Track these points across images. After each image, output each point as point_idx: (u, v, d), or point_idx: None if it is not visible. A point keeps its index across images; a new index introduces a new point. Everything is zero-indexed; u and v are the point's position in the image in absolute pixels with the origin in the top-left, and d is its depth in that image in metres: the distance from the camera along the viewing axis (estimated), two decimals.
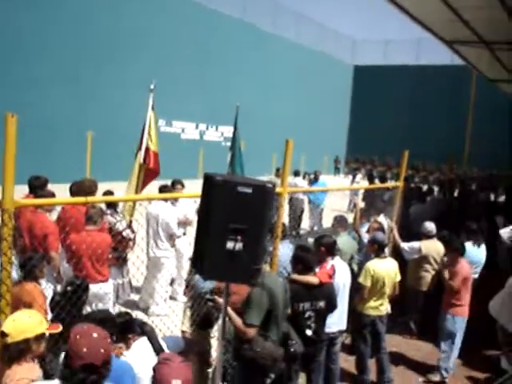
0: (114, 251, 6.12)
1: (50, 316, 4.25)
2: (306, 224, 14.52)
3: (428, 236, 7.34)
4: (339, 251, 5.93)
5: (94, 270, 5.54)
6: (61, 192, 6.16)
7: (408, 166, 8.60)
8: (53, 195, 6.01)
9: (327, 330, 5.16)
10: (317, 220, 14.33)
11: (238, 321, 4.08)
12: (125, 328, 3.71)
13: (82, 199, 4.21)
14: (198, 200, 3.31)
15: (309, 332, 4.71)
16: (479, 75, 19.92)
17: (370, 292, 5.86)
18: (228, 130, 25.92)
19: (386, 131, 38.68)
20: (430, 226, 7.40)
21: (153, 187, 7.55)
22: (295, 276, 4.78)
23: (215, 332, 4.76)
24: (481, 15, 8.45)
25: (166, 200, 7.18)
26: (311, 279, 4.73)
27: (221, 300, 3.91)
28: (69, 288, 4.17)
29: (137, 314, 6.12)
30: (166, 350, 3.74)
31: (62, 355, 2.59)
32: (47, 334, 3.14)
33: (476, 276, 7.24)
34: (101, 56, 20.55)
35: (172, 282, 8.04)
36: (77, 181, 6.56)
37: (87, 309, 4.68)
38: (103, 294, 5.63)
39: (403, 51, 39.57)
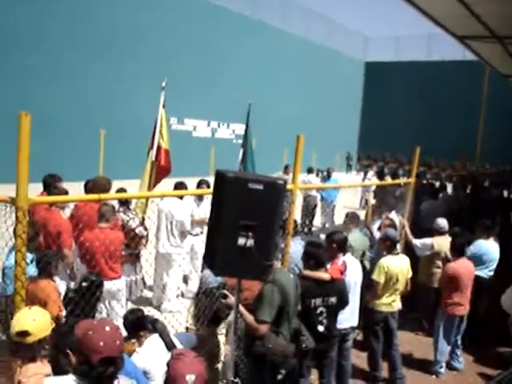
0: (127, 248, 6.16)
1: (64, 312, 4.31)
2: (318, 221, 14.52)
3: (440, 232, 7.32)
4: (351, 248, 5.94)
5: (107, 267, 5.58)
6: (74, 190, 6.23)
7: (420, 162, 8.58)
8: (66, 193, 6.06)
9: (339, 326, 5.17)
10: (329, 217, 14.32)
11: (250, 317, 4.10)
12: (137, 325, 3.75)
13: (94, 196, 4.26)
14: None
15: (320, 328, 4.72)
16: (492, 71, 19.74)
17: (383, 288, 5.86)
18: (239, 128, 25.95)
19: (398, 128, 38.51)
20: (443, 222, 7.37)
21: (165, 184, 7.59)
22: (306, 272, 4.80)
23: (222, 329, 4.78)
24: (493, 9, 8.37)
25: (180, 197, 7.22)
26: (322, 275, 4.75)
27: (231, 296, 3.94)
28: (83, 284, 4.22)
29: (149, 311, 6.17)
30: (179, 346, 3.77)
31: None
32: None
33: (491, 273, 7.20)
34: (112, 54, 20.66)
35: (186, 280, 8.09)
36: (92, 178, 6.60)
37: (100, 305, 4.73)
38: (116, 290, 5.67)
39: (414, 47, 39.34)
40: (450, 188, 13.93)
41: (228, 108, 25.55)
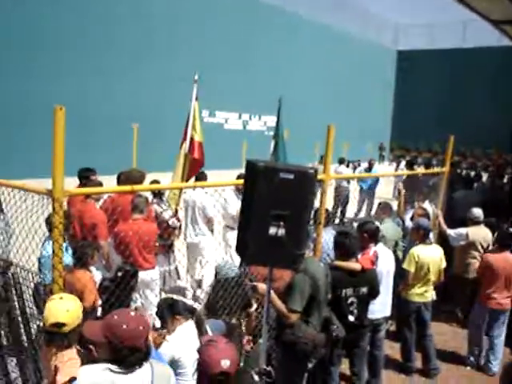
0: (160, 239, 6.25)
1: (99, 302, 4.42)
2: (351, 211, 14.46)
3: (475, 222, 7.20)
4: (383, 238, 5.91)
5: (141, 258, 5.67)
6: (108, 183, 6.34)
7: (454, 152, 8.43)
8: (100, 185, 6.20)
9: (371, 316, 5.15)
10: (369, 208, 14.23)
11: (281, 306, 4.13)
12: (170, 311, 3.80)
13: (128, 188, 4.32)
14: None
15: (351, 318, 4.72)
16: None
17: (414, 278, 5.82)
18: (271, 120, 25.95)
19: (431, 117, 37.83)
20: (478, 211, 7.24)
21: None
22: (337, 262, 4.80)
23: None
24: None
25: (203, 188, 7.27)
26: (353, 265, 4.73)
27: (262, 285, 3.97)
28: (118, 274, 4.31)
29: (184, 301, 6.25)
30: (210, 333, 3.82)
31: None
32: None
33: None
34: (145, 49, 20.88)
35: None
36: (124, 171, 6.71)
37: (135, 295, 4.82)
38: (150, 280, 5.77)
39: (448, 34, 38.50)
40: (485, 178, 13.66)
41: (259, 100, 25.54)
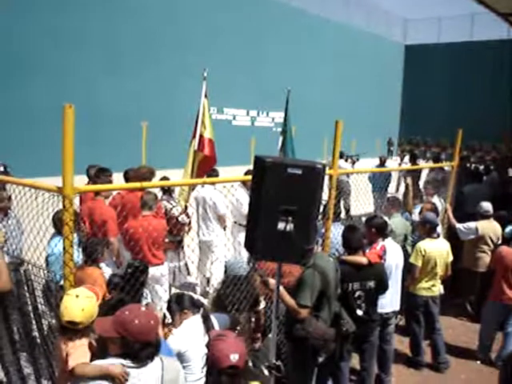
0: (170, 235, 6.28)
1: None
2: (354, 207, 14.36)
3: (484, 216, 7.18)
4: (392, 233, 5.91)
5: (150, 254, 5.71)
6: (118, 181, 6.39)
7: (463, 146, 8.39)
8: (110, 182, 6.24)
9: (380, 310, 5.16)
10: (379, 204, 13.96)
11: (291, 301, 4.14)
12: (178, 304, 3.83)
13: (137, 185, 4.36)
14: None
15: (359, 312, 4.72)
16: None
17: (421, 272, 5.83)
18: (279, 116, 25.95)
19: (440, 111, 37.59)
20: (487, 205, 7.23)
21: None
22: (344, 256, 4.81)
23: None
24: None
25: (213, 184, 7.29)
26: (360, 259, 4.74)
27: (272, 280, 3.99)
28: (129, 270, 4.35)
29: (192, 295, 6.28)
30: (216, 327, 3.85)
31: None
32: None
33: None
34: (153, 45, 20.91)
35: None
36: (132, 167, 6.74)
37: (146, 291, 4.85)
38: (160, 275, 5.81)
39: (456, 28, 38.23)
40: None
41: (267, 96, 25.55)
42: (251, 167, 3.53)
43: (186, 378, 3.23)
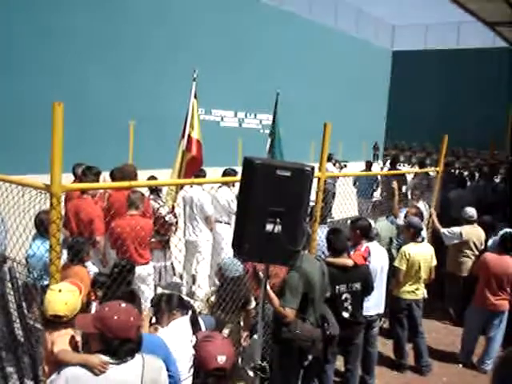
0: (157, 235, 6.27)
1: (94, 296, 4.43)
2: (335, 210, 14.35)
3: (469, 221, 7.27)
4: (377, 236, 5.96)
5: (136, 254, 5.68)
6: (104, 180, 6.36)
7: (448, 152, 8.48)
8: (96, 181, 6.21)
9: (365, 313, 5.19)
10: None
11: (278, 303, 4.15)
12: (166, 305, 3.82)
13: (125, 183, 4.35)
14: None
15: (345, 314, 4.75)
16: None
17: (405, 276, 5.88)
18: (266, 118, 26.05)
19: (426, 117, 37.97)
20: (471, 210, 7.31)
21: None
22: (329, 259, 4.83)
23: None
24: None
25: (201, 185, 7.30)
26: (345, 261, 4.76)
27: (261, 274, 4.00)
28: (115, 269, 4.33)
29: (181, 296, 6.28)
30: (203, 328, 3.85)
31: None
32: None
33: None
34: (141, 45, 20.85)
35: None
36: (117, 167, 6.71)
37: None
38: (146, 275, 5.79)
39: (443, 36, 38.64)
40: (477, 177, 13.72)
41: (255, 98, 25.59)
42: (239, 168, 3.54)
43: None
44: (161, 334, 3.68)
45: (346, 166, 17.98)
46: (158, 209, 6.64)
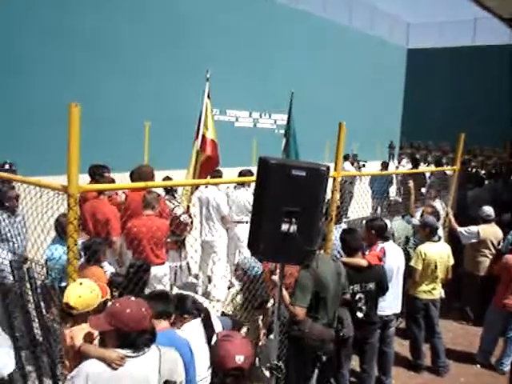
0: (172, 235, 6.30)
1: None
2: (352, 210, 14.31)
3: (486, 220, 7.20)
4: (393, 236, 5.93)
5: (152, 254, 5.72)
6: (119, 181, 6.40)
7: (465, 151, 8.39)
8: (112, 181, 6.26)
9: (381, 313, 5.18)
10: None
11: (288, 301, 4.17)
12: (179, 308, 3.83)
13: (141, 184, 4.37)
14: None
15: (360, 314, 4.74)
16: None
17: (421, 275, 5.84)
18: (281, 118, 26.03)
19: (442, 115, 37.60)
20: (489, 209, 7.25)
21: None
22: (344, 258, 4.82)
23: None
24: None
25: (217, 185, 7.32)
26: (359, 261, 4.76)
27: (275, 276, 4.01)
28: (131, 270, 4.36)
29: (198, 299, 6.29)
30: (220, 329, 3.85)
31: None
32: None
33: None
34: (154, 45, 20.95)
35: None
36: (137, 167, 6.74)
37: (147, 290, 4.86)
38: (162, 275, 5.82)
39: (459, 33, 38.27)
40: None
41: (270, 98, 25.60)
42: (253, 168, 3.54)
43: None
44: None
45: (364, 165, 17.85)
46: (173, 209, 6.67)
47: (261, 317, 4.87)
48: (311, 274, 4.15)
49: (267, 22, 26.13)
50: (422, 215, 6.88)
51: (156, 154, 18.20)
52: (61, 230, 4.86)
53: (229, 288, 7.49)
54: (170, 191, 6.97)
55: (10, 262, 4.25)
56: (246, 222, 7.71)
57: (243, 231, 7.66)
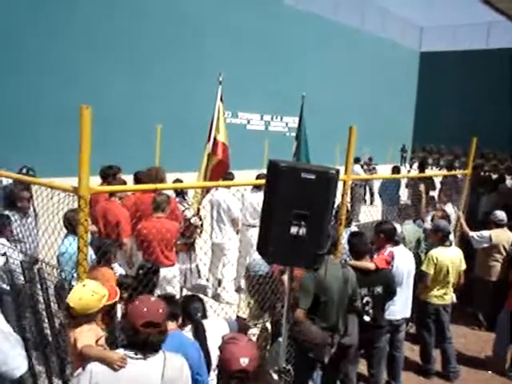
0: (182, 237, 6.31)
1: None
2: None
3: (498, 225, 7.14)
4: (404, 239, 5.89)
5: (162, 256, 5.74)
6: (131, 183, 6.43)
7: (477, 154, 8.33)
8: (124, 183, 6.29)
9: (391, 317, 5.15)
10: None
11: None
12: (183, 312, 3.82)
13: (151, 186, 4.38)
14: None
15: (367, 318, 4.72)
16: None
17: (433, 280, 5.80)
18: (292, 121, 26.04)
19: (454, 119, 37.39)
20: (501, 214, 7.19)
21: None
22: (351, 262, 4.81)
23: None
24: None
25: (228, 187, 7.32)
26: (367, 264, 4.74)
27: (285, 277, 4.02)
28: (140, 271, 4.37)
29: (207, 301, 6.29)
30: (227, 331, 3.84)
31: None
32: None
33: None
34: (165, 47, 21.04)
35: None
36: (149, 168, 6.76)
37: (157, 291, 4.87)
38: (171, 277, 5.83)
39: (472, 36, 38.03)
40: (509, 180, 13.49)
41: (281, 101, 25.61)
42: (264, 171, 3.54)
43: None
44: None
45: (374, 168, 17.79)
46: (183, 211, 6.69)
47: (269, 320, 4.86)
48: (314, 276, 4.17)
49: (279, 24, 26.16)
50: (432, 219, 6.84)
51: (166, 156, 18.25)
52: (68, 225, 4.88)
53: (237, 291, 7.50)
54: (180, 193, 6.99)
55: (21, 262, 4.28)
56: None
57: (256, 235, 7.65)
